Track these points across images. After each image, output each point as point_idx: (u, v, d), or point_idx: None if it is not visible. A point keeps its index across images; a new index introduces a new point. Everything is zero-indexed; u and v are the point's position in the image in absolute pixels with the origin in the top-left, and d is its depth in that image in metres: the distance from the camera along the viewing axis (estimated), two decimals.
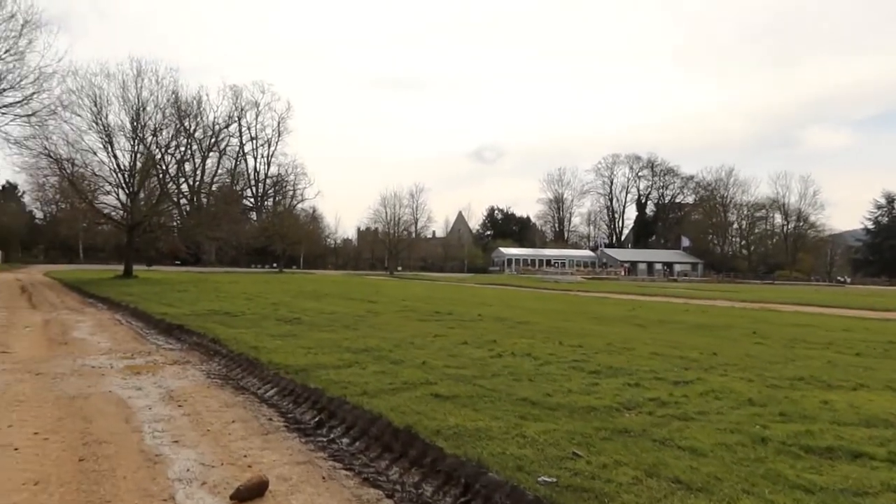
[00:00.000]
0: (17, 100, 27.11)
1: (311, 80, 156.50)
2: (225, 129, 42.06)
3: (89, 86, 34.66)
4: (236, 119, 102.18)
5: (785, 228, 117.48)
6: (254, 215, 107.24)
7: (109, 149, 35.76)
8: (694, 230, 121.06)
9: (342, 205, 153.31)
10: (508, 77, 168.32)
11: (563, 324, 16.78)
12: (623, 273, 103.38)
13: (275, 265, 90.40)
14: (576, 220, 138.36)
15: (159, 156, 37.17)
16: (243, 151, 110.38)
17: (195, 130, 38.90)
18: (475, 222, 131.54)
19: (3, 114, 27.24)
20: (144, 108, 35.80)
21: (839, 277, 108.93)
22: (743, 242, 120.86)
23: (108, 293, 23.93)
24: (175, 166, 39.50)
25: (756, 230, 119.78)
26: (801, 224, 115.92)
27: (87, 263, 73.77)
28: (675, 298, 35.70)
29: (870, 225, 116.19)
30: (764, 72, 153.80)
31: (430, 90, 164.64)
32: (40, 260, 78.47)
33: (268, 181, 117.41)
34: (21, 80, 26.90)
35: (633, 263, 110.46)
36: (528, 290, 42.19)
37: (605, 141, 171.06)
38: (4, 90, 26.86)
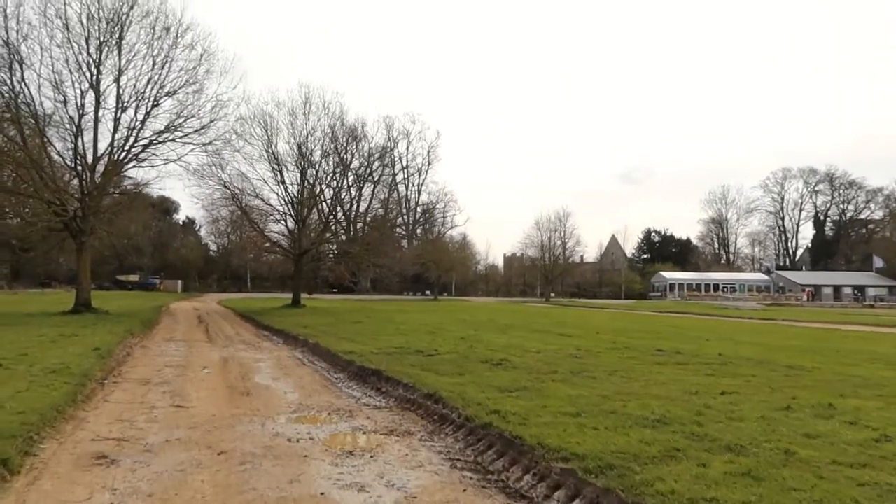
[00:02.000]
0: (197, 129, 26.85)
1: (459, 107, 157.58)
2: (379, 160, 41.51)
3: (261, 114, 34.65)
4: (390, 149, 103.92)
5: None
6: (405, 243, 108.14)
7: (279, 177, 35.50)
8: (886, 249, 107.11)
9: (491, 231, 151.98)
10: (656, 93, 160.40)
11: (849, 368, 12.72)
12: (806, 298, 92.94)
13: (427, 292, 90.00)
14: (741, 241, 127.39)
15: (325, 183, 36.53)
16: (395, 181, 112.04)
17: (352, 160, 38.06)
18: (629, 246, 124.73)
19: (185, 143, 27.07)
20: (312, 135, 35.29)
21: None
22: None
23: (282, 324, 22.51)
24: (333, 194, 38.78)
25: None
26: None
27: (254, 291, 76.58)
28: (867, 327, 29.75)
29: None
30: None
31: (574, 111, 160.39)
32: (213, 289, 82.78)
33: (418, 209, 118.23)
34: (199, 110, 26.67)
35: (816, 287, 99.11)
36: (720, 320, 37.10)
37: (770, 156, 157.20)
38: (187, 119, 26.67)
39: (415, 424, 7.67)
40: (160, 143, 26.85)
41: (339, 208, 38.99)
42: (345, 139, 36.31)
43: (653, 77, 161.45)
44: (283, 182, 35.60)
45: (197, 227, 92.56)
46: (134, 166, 27.43)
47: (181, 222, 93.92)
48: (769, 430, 6.60)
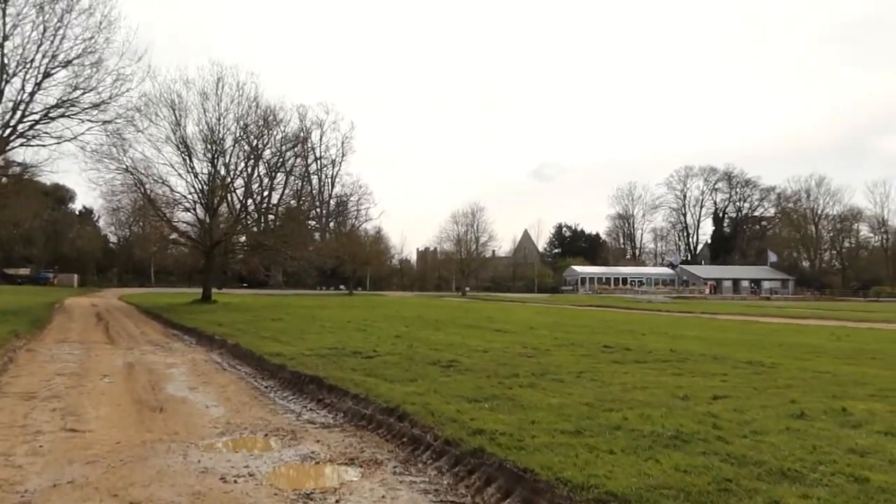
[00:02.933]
0: (95, 103, 24.04)
1: (371, 101, 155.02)
2: (292, 149, 39.25)
3: (168, 92, 31.81)
4: (303, 139, 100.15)
5: (884, 241, 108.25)
6: (317, 236, 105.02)
7: (188, 162, 32.80)
8: (778, 245, 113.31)
9: (405, 226, 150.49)
10: (566, 92, 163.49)
11: (806, 363, 12.23)
12: (709, 291, 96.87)
13: (341, 287, 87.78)
14: (647, 236, 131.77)
15: (237, 170, 34.09)
16: (308, 172, 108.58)
17: (265, 148, 35.67)
18: (541, 240, 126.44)
19: (81, 120, 24.22)
20: (224, 118, 32.77)
21: None
22: (835, 256, 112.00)
23: (194, 322, 20.40)
24: (246, 183, 36.30)
25: (848, 243, 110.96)
26: None
27: (158, 286, 72.06)
28: (815, 320, 30.58)
29: None
30: (842, 77, 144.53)
31: (487, 108, 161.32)
32: (114, 283, 77.44)
33: (332, 202, 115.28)
34: (98, 84, 23.88)
35: (717, 281, 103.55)
36: (641, 313, 37.30)
37: (675, 154, 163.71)
38: (84, 93, 23.83)
39: (380, 449, 6.25)
40: (52, 119, 23.93)
41: (250, 199, 36.55)
42: (259, 124, 33.98)
43: (562, 76, 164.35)
44: (193, 168, 32.95)
45: (95, 218, 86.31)
46: (22, 145, 24.41)
47: (77, 212, 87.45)
48: (808, 446, 5.61)
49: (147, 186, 32.37)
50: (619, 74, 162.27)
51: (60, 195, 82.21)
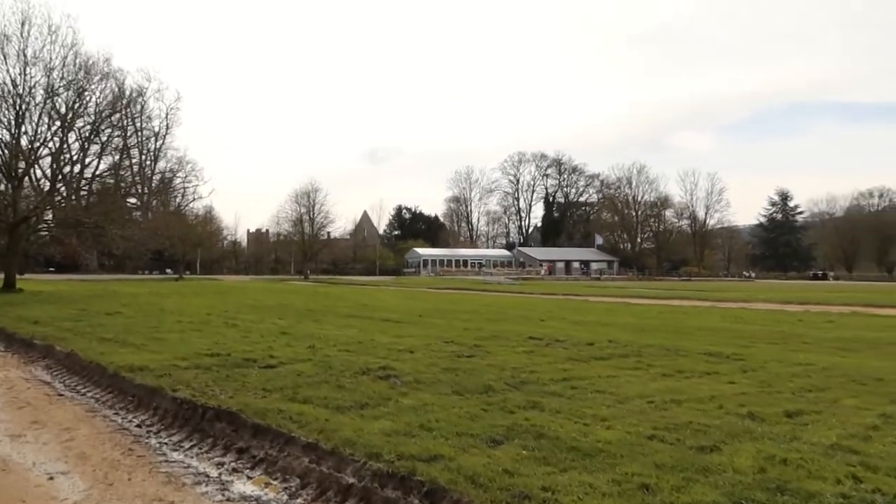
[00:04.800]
0: None
1: (200, 75, 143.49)
2: (108, 118, 33.15)
3: None
4: (121, 108, 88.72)
5: (692, 226, 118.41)
6: (137, 214, 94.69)
7: None
8: (601, 228, 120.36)
9: (239, 206, 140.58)
10: (399, 76, 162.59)
11: (778, 353, 10.93)
12: (546, 272, 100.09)
13: (168, 270, 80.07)
14: (483, 218, 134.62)
15: (52, 131, 28.05)
16: (127, 144, 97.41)
17: (84, 107, 29.73)
18: (381, 223, 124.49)
19: None
20: (33, 67, 26.68)
21: (745, 273, 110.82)
22: (649, 239, 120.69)
23: (4, 320, 15.61)
24: (58, 148, 30.16)
25: (662, 227, 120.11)
26: (708, 221, 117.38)
27: None
28: (651, 300, 31.39)
29: (764, 221, 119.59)
30: (642, 78, 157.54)
31: (319, 89, 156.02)
32: None
33: (155, 178, 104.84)
34: None
35: (552, 262, 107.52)
36: (507, 296, 36.23)
37: (509, 141, 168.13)
38: None
39: None
40: None
41: (68, 167, 30.33)
42: (77, 77, 28.11)
43: (393, 60, 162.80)
44: None
45: None
46: None
47: None
48: None
49: None
50: (450, 63, 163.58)
51: None
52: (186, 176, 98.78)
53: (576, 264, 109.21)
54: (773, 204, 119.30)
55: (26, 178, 29.20)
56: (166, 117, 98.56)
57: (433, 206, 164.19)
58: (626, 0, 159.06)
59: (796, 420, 6.20)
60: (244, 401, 6.68)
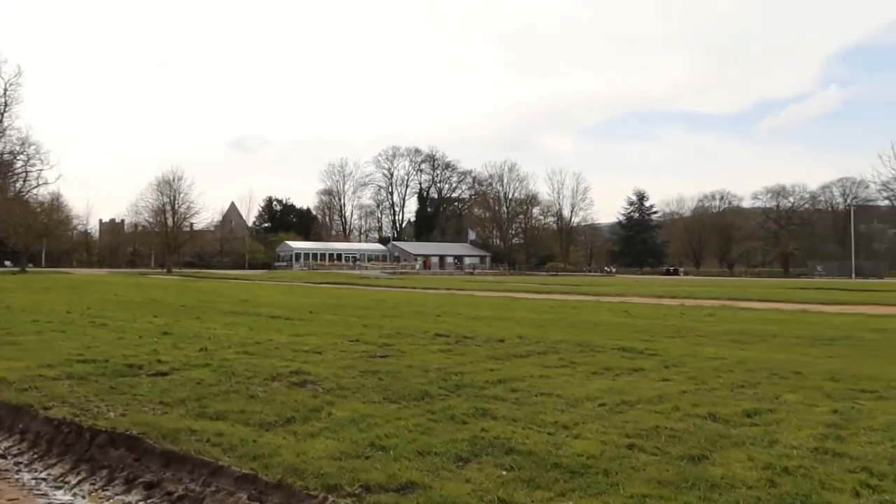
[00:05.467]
0: None
1: (48, 50, 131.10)
2: None
3: None
4: None
5: (559, 223, 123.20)
6: None
7: None
8: (473, 224, 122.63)
9: (92, 195, 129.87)
10: (268, 63, 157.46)
11: (700, 349, 10.95)
12: (423, 266, 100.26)
13: (7, 263, 72.57)
14: (357, 212, 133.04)
15: None
16: None
17: None
18: (250, 215, 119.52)
19: None
20: None
21: (606, 268, 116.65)
22: (520, 235, 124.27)
23: None
24: None
25: (531, 224, 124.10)
26: (573, 219, 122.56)
27: None
28: (534, 294, 31.92)
29: (623, 220, 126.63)
30: (509, 77, 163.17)
31: (180, 74, 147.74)
32: None
33: None
34: None
35: (426, 257, 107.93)
36: (391, 290, 35.43)
37: (382, 134, 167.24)
38: None
39: None
40: None
41: None
42: None
43: (263, 47, 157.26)
44: None
45: None
46: None
47: None
48: None
49: None
50: (323, 53, 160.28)
51: None
52: (29, 159, 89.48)
53: (450, 259, 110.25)
54: (631, 203, 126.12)
55: None
56: (4, 93, 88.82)
57: (305, 198, 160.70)
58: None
59: (758, 420, 5.93)
60: (142, 419, 5.49)
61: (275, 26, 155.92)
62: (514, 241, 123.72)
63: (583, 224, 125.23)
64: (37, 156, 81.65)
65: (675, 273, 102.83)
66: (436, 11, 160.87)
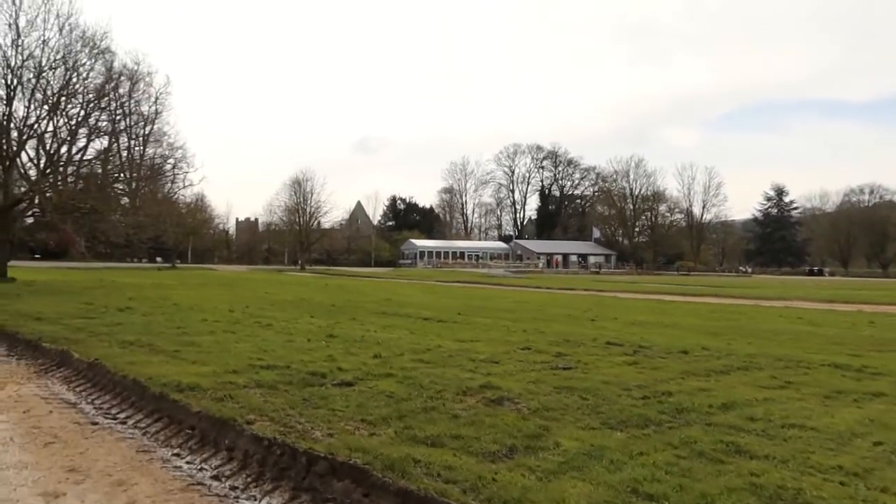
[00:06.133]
0: None
1: (190, 61, 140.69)
2: (96, 102, 30.98)
3: None
4: (110, 91, 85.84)
5: (689, 220, 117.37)
6: (125, 201, 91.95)
7: None
8: (598, 221, 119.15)
9: (228, 195, 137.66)
10: (391, 65, 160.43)
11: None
12: (555, 265, 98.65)
13: (158, 259, 77.96)
14: (478, 210, 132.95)
15: (47, 107, 25.93)
16: (115, 128, 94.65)
17: (81, 83, 27.59)
18: (374, 213, 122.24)
19: None
20: (26, 36, 24.61)
21: (741, 268, 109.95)
22: (646, 232, 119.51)
23: (1, 316, 13.80)
24: (56, 126, 27.99)
25: (660, 221, 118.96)
26: (705, 215, 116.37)
27: None
28: (683, 297, 29.84)
29: (759, 216, 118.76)
30: (629, 71, 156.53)
31: (306, 79, 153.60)
32: None
33: (144, 164, 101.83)
34: None
35: (549, 255, 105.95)
36: (532, 291, 34.58)
37: (500, 132, 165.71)
38: None
39: None
40: None
41: (64, 147, 28.10)
42: (75, 49, 26.08)
43: (382, 50, 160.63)
44: None
45: None
46: None
47: None
48: None
49: None
50: (442, 52, 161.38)
51: None
52: (177, 163, 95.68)
53: (573, 257, 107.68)
54: (769, 199, 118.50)
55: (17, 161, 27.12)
56: (155, 102, 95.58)
57: (425, 197, 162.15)
58: None
59: None
60: (355, 443, 4.96)
61: (396, 28, 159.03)
62: (639, 239, 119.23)
63: (715, 221, 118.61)
64: (184, 159, 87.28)
65: (820, 273, 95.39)
66: (551, 6, 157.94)
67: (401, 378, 7.69)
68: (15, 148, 25.47)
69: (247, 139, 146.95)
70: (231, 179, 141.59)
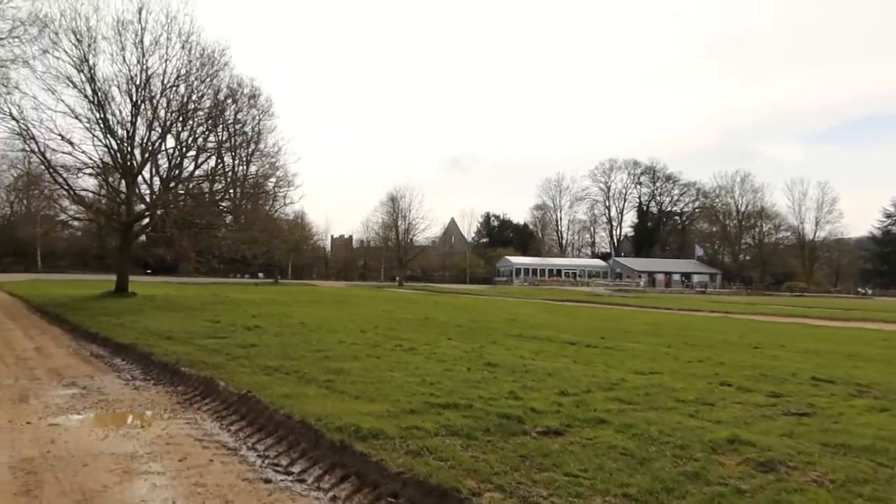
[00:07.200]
0: None
1: (285, 82, 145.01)
2: (212, 119, 31.41)
3: (72, 14, 23.56)
4: (228, 106, 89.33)
5: (800, 237, 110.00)
6: (229, 218, 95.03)
7: (97, 112, 24.68)
8: (700, 239, 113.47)
9: (328, 213, 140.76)
10: (479, 85, 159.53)
11: None
12: (647, 283, 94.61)
13: (260, 275, 79.55)
14: (572, 227, 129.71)
15: (168, 125, 26.15)
16: (220, 146, 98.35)
17: (200, 100, 27.79)
18: (468, 230, 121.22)
19: None
20: (148, 57, 24.89)
21: (860, 289, 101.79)
22: (748, 251, 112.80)
23: (122, 332, 13.18)
24: (176, 143, 28.20)
25: (768, 239, 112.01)
26: (819, 233, 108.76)
27: (46, 272, 61.19)
28: (825, 321, 26.76)
29: (878, 234, 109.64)
30: (726, 85, 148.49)
31: (397, 99, 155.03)
32: None
33: (247, 182, 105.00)
34: None
35: (650, 274, 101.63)
36: (651, 312, 32.24)
37: (591, 147, 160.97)
38: None
39: None
40: None
41: (185, 162, 28.42)
42: (195, 68, 26.23)
43: (475, 68, 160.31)
44: (105, 121, 24.82)
45: None
46: None
47: None
48: None
49: (40, 143, 24.11)
50: (529, 69, 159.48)
51: None
52: (279, 181, 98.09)
53: (676, 276, 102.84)
54: (889, 216, 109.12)
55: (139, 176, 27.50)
56: (258, 123, 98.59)
57: (517, 213, 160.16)
58: (707, 4, 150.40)
59: None
60: None
61: (481, 50, 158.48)
62: (743, 257, 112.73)
63: (829, 239, 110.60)
64: (284, 178, 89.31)
65: None
66: (645, 19, 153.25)
67: (618, 426, 6.13)
68: (138, 165, 25.73)
69: (342, 159, 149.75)
70: (327, 198, 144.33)
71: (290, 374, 8.48)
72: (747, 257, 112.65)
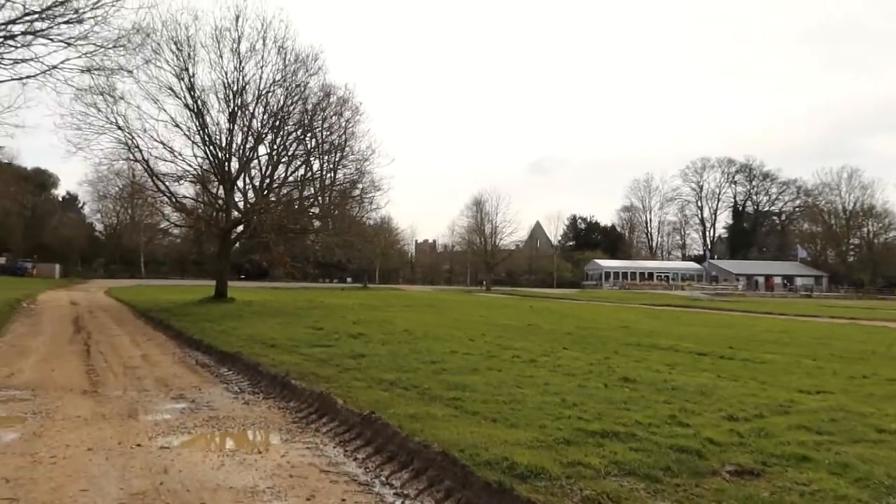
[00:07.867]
0: (75, 35, 16.50)
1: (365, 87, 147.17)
2: (297, 132, 31.49)
3: (172, 26, 23.92)
4: (309, 120, 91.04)
5: None
6: (316, 223, 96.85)
7: (198, 122, 24.99)
8: (802, 239, 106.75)
9: (410, 219, 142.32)
10: (560, 86, 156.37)
11: None
12: (744, 287, 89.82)
13: (348, 279, 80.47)
14: (663, 229, 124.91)
15: (265, 131, 26.27)
16: (311, 155, 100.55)
17: (294, 105, 27.78)
18: (553, 233, 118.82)
19: (54, 41, 16.57)
20: (246, 64, 25.01)
21: None
22: (858, 252, 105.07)
23: (226, 339, 12.81)
24: (271, 148, 28.27)
25: (878, 239, 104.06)
26: None
27: (149, 278, 63.80)
28: None
29: None
30: (829, 76, 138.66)
31: (480, 102, 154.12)
32: (100, 274, 69.11)
33: (335, 188, 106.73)
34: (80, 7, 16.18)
35: (749, 277, 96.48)
36: (766, 318, 29.97)
37: (676, 147, 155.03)
38: (51, 7, 16.19)
39: None
40: (7, 38, 16.33)
41: (280, 168, 28.57)
42: (291, 73, 26.21)
43: (556, 70, 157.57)
44: (205, 128, 25.13)
45: (80, 205, 78.36)
46: None
47: (61, 198, 79.30)
48: None
49: (144, 151, 24.58)
50: (613, 68, 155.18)
51: (41, 180, 74.27)
52: (366, 187, 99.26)
53: (777, 279, 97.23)
54: None
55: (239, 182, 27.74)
56: (345, 131, 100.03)
57: (604, 215, 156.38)
58: None
59: None
60: None
61: (562, 51, 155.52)
62: (851, 258, 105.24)
63: None
64: (371, 184, 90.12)
65: None
66: (738, 10, 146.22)
67: (829, 466, 4.94)
68: (236, 171, 25.92)
69: (424, 166, 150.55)
70: (410, 204, 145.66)
71: (409, 390, 7.66)
72: (854, 258, 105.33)
